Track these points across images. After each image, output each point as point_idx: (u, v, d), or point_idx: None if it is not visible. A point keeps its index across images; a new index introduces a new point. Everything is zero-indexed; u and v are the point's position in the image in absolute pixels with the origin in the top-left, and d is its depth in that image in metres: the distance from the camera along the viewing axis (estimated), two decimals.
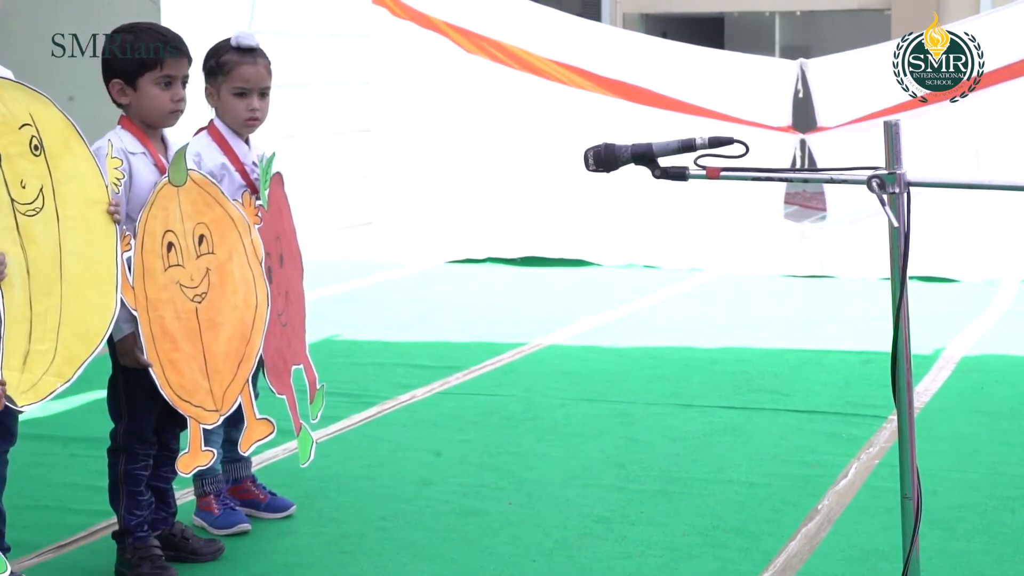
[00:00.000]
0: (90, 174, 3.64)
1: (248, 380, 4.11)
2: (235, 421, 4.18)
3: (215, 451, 4.06)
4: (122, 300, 3.78)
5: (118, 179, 3.74)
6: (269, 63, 4.42)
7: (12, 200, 3.47)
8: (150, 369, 3.85)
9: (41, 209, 3.52)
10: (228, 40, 4.39)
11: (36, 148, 3.51)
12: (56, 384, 3.54)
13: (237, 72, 4.34)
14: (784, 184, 10.06)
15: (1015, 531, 4.42)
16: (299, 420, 4.49)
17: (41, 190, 3.52)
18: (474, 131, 10.29)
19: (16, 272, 3.46)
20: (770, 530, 4.45)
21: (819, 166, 9.56)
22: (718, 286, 9.29)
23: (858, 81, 9.58)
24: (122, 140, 3.94)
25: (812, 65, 9.86)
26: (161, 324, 3.87)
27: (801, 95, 9.87)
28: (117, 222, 3.70)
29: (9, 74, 3.64)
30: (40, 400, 3.53)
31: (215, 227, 4.02)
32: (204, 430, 4.02)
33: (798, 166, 9.74)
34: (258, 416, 4.17)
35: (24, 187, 3.48)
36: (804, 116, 10.01)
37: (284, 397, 4.45)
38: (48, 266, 3.53)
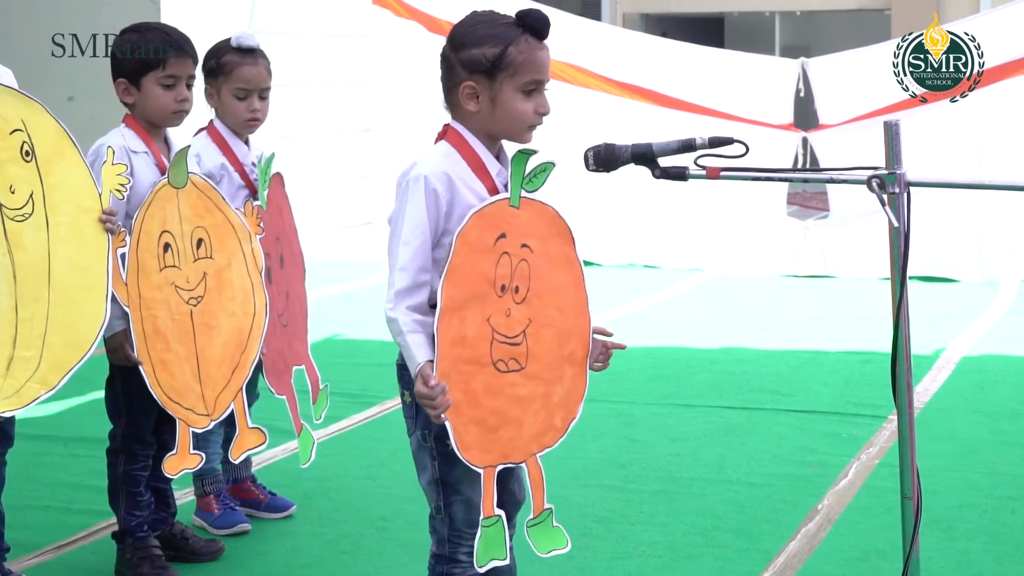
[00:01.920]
0: (83, 181, 3.60)
1: (242, 387, 4.10)
2: (234, 422, 4.18)
3: (203, 455, 4.03)
4: (114, 296, 3.77)
5: (123, 184, 3.70)
6: (269, 63, 4.42)
7: (0, 205, 3.45)
8: (140, 367, 3.84)
9: (31, 215, 3.49)
10: (228, 40, 4.38)
11: (27, 154, 3.48)
12: (40, 391, 3.50)
13: (238, 73, 4.34)
14: (786, 183, 10.05)
15: (1015, 531, 4.42)
16: (300, 420, 4.49)
17: (31, 196, 3.49)
18: None
19: (2, 277, 3.44)
20: (770, 530, 4.45)
21: (821, 164, 9.56)
22: (718, 286, 9.29)
23: (860, 79, 9.57)
24: (125, 138, 3.94)
25: (813, 64, 9.85)
26: (154, 323, 3.86)
27: (802, 94, 9.87)
28: (109, 231, 3.64)
29: (9, 74, 3.63)
30: (22, 406, 3.49)
31: (214, 232, 4.01)
32: (197, 432, 4.01)
33: (800, 164, 9.74)
34: (250, 425, 4.16)
35: (13, 192, 3.45)
36: (805, 114, 10.01)
37: (284, 398, 4.46)
38: (36, 272, 3.49)
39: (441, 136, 3.12)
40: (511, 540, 3.25)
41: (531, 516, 3.16)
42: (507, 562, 3.07)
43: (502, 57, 2.99)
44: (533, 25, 3.02)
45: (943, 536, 4.33)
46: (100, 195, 3.63)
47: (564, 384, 3.18)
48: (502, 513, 3.05)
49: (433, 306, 2.97)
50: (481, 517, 3.03)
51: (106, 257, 3.62)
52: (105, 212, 3.63)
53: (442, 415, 2.92)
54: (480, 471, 3.02)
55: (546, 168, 3.04)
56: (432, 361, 2.92)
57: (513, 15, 3.04)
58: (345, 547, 4.35)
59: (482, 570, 3.04)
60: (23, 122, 3.47)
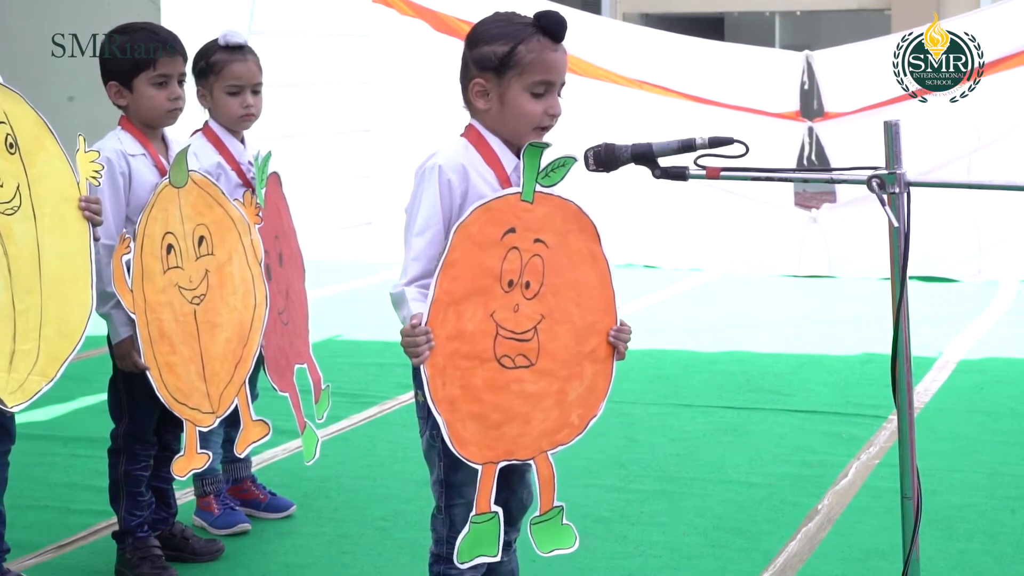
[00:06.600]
0: (63, 171, 3.56)
1: (245, 382, 4.10)
2: (235, 421, 4.17)
3: (210, 454, 4.04)
4: (120, 302, 3.77)
5: (97, 170, 3.63)
6: (258, 59, 4.42)
7: None
8: (147, 372, 3.84)
9: (19, 207, 3.46)
10: (215, 40, 4.39)
11: (11, 146, 3.46)
12: (41, 383, 3.49)
13: (228, 71, 4.34)
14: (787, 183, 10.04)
15: (1015, 531, 4.42)
16: (303, 418, 4.49)
17: (18, 188, 3.46)
18: None
19: None
20: (770, 530, 4.45)
21: (828, 154, 9.57)
22: (718, 286, 9.29)
23: (864, 72, 9.56)
24: (121, 142, 3.93)
25: (818, 57, 9.84)
26: (159, 327, 3.86)
27: (807, 87, 9.86)
28: (89, 219, 3.58)
29: None
30: (28, 400, 3.48)
31: (215, 228, 4.01)
32: (202, 431, 4.01)
33: (807, 154, 9.73)
34: (254, 418, 4.16)
35: (2, 186, 3.44)
36: (811, 106, 10.01)
37: (287, 395, 4.46)
38: (28, 265, 3.47)
39: (463, 134, 3.12)
40: (515, 543, 3.24)
41: (536, 514, 3.14)
42: (497, 559, 3.06)
43: (511, 55, 2.99)
44: (547, 26, 3.01)
45: (943, 536, 4.33)
46: (78, 182, 3.60)
47: (583, 381, 3.13)
48: (499, 510, 3.04)
49: None
50: (473, 513, 3.02)
51: (88, 246, 3.60)
52: (83, 199, 3.57)
53: (423, 364, 2.92)
54: (478, 467, 3.01)
55: (566, 163, 3.02)
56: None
57: (532, 16, 3.05)
58: (345, 547, 4.35)
59: (464, 566, 3.02)
60: (5, 113, 3.44)
